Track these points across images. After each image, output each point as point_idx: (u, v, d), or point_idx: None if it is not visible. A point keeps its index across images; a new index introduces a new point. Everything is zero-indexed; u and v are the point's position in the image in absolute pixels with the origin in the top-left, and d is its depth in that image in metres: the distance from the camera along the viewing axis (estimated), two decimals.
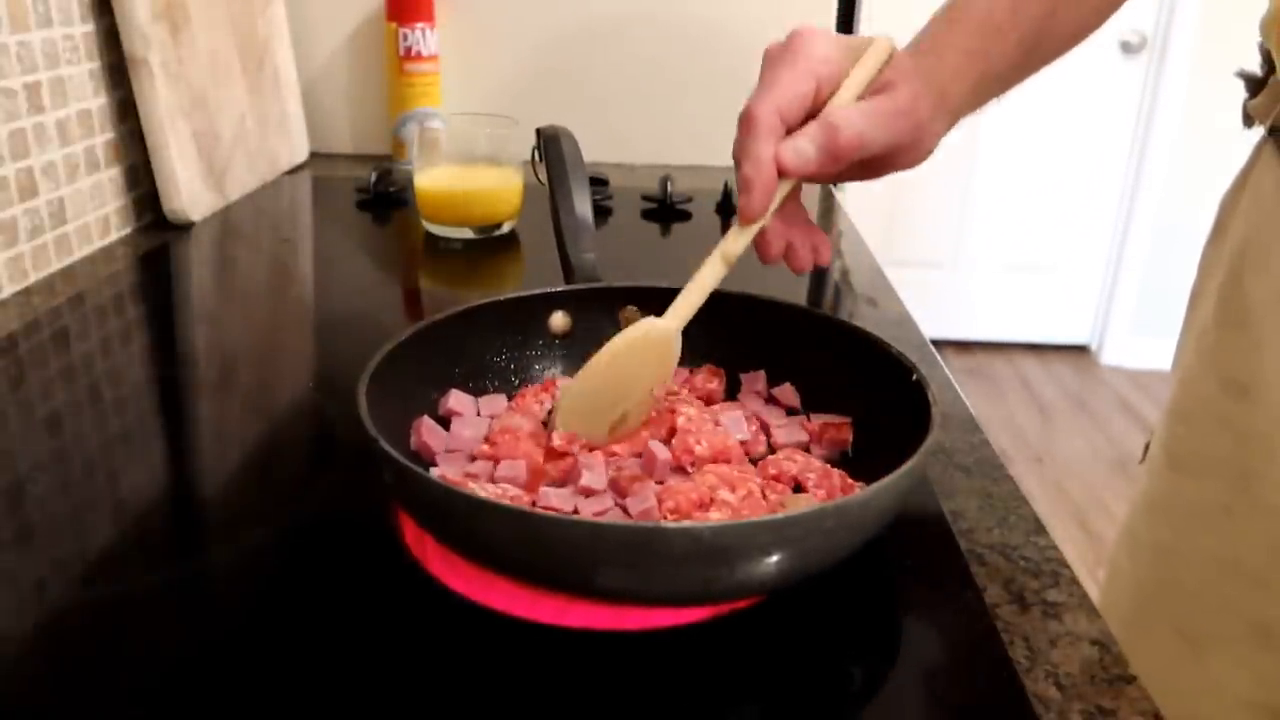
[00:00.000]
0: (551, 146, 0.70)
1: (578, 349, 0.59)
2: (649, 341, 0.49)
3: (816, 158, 0.45)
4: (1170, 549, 0.66)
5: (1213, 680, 0.61)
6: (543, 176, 0.73)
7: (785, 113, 0.45)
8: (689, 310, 0.49)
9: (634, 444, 0.50)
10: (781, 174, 0.45)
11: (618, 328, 0.60)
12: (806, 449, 0.52)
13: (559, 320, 0.59)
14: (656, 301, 0.60)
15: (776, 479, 0.48)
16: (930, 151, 0.49)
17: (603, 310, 0.60)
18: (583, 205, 0.67)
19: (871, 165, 0.49)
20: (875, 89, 0.47)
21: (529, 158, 0.77)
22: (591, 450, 0.50)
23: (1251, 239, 0.61)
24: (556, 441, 0.49)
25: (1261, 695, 0.60)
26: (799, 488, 0.48)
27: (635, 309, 0.60)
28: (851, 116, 0.45)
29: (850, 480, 0.48)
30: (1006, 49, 0.52)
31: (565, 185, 0.67)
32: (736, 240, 0.47)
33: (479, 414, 0.54)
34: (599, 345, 0.60)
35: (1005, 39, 0.51)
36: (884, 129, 0.45)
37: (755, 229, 0.47)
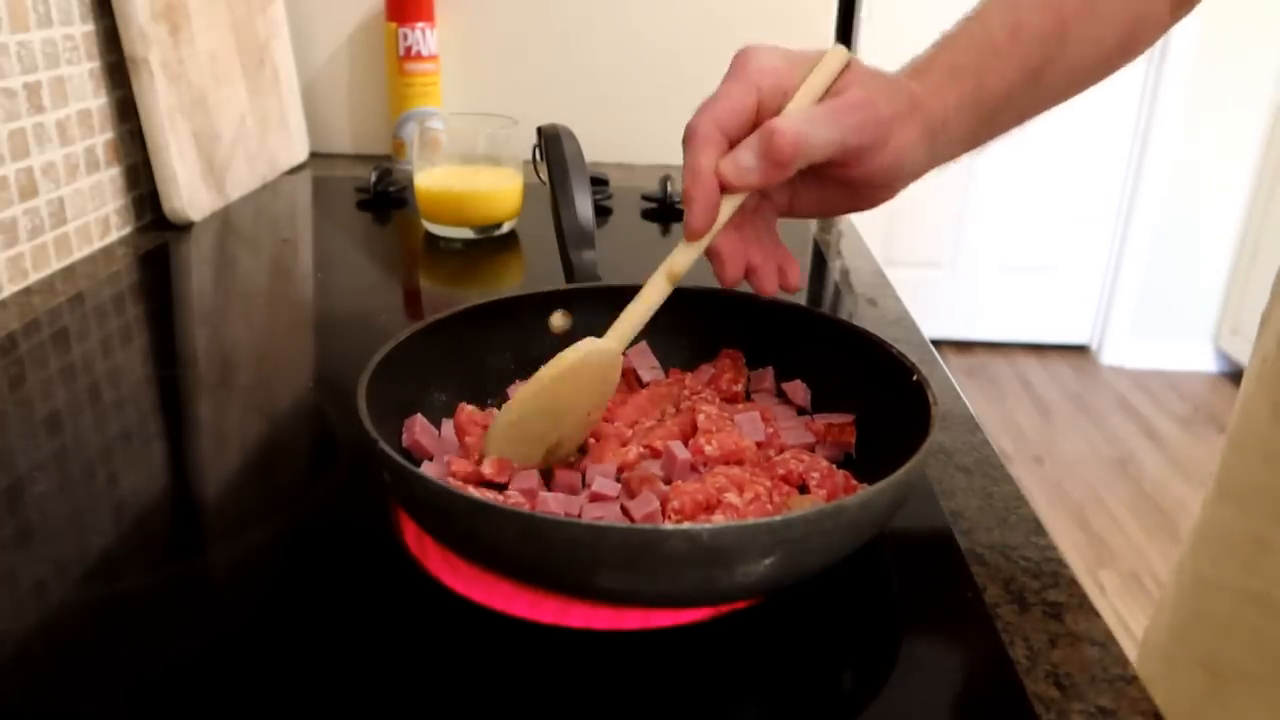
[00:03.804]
0: (553, 145, 0.69)
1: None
2: (588, 366, 0.47)
3: (758, 166, 0.43)
4: (1206, 580, 0.64)
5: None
6: (544, 175, 0.73)
7: (725, 125, 0.44)
8: (630, 330, 0.48)
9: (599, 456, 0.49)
10: (724, 188, 0.44)
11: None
12: (811, 449, 0.52)
13: (559, 319, 0.59)
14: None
15: (785, 479, 0.48)
16: (904, 160, 0.46)
17: (602, 309, 0.60)
18: (584, 205, 0.67)
19: (839, 179, 0.47)
20: (829, 96, 0.45)
21: (530, 157, 0.77)
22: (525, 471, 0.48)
23: None
24: (487, 470, 0.47)
25: None
26: (804, 488, 0.48)
27: None
28: (790, 118, 0.43)
29: (854, 481, 0.48)
30: (1005, 69, 0.49)
31: (566, 185, 0.67)
32: (681, 256, 0.46)
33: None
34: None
35: (1004, 59, 0.49)
36: (830, 126, 0.43)
37: (701, 246, 0.46)
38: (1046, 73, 0.51)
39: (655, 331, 0.60)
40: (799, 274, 0.49)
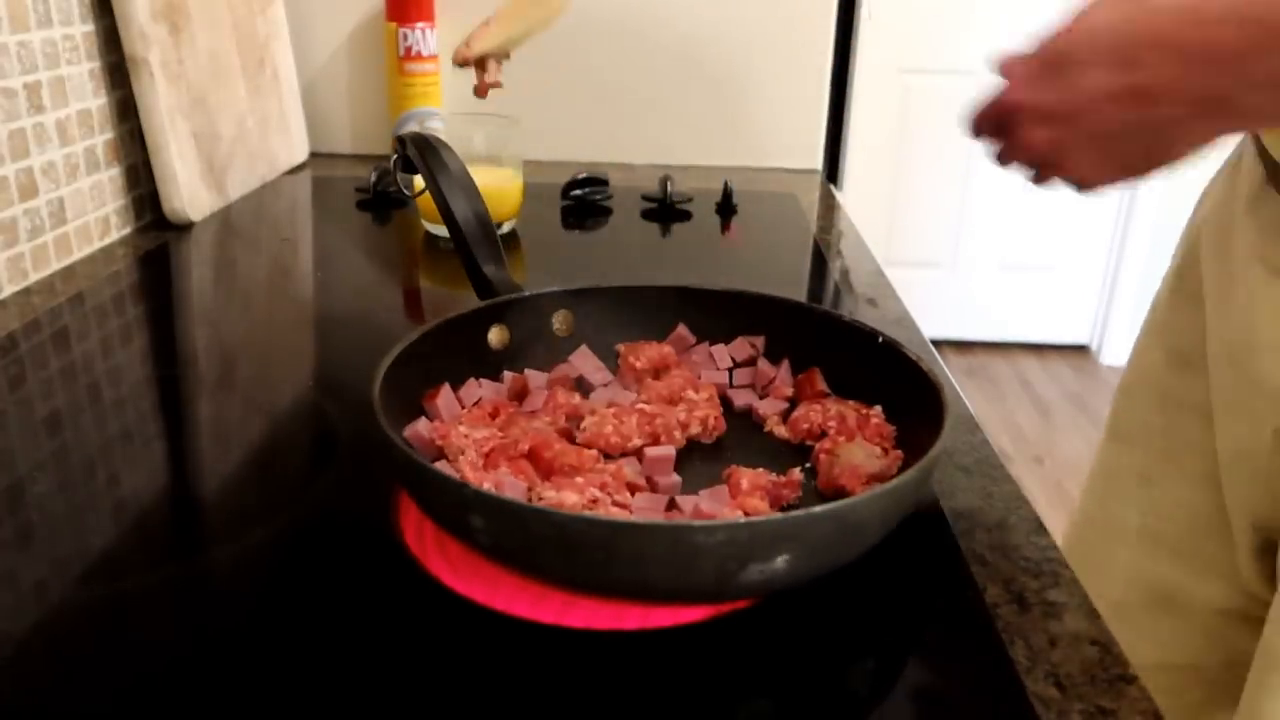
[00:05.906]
0: (429, 155, 0.62)
1: (523, 357, 0.58)
2: None
3: None
4: (1090, 519, 0.68)
5: None
6: (409, 189, 0.69)
7: None
8: None
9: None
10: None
11: (551, 332, 0.59)
12: (789, 409, 0.55)
13: (495, 335, 0.57)
14: (588, 301, 0.59)
15: (808, 434, 0.52)
16: None
17: (535, 316, 0.59)
18: (481, 213, 0.61)
19: None
20: None
21: (395, 172, 0.70)
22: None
23: (1212, 218, 0.63)
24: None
25: (1162, 657, 0.62)
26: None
27: (568, 313, 0.59)
28: None
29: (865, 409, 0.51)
30: None
31: (456, 195, 0.61)
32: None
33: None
34: (540, 350, 0.58)
35: None
36: None
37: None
38: None
39: (593, 331, 0.59)
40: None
